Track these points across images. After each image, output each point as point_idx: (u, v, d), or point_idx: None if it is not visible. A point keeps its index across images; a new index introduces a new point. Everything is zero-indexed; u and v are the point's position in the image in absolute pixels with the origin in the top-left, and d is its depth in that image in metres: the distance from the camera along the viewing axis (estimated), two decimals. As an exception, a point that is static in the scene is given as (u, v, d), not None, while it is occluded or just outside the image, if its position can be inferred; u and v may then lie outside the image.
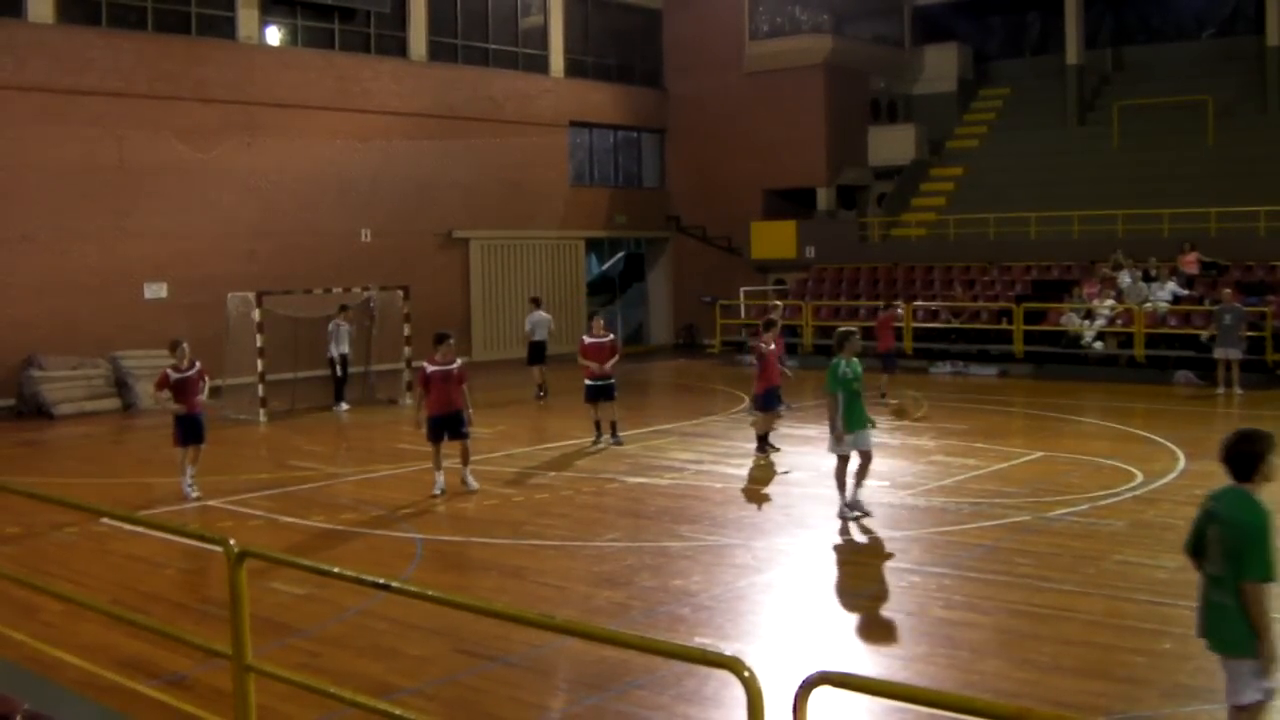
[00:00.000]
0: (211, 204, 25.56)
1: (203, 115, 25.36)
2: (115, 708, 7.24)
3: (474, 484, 13.71)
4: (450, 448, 13.70)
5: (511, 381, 24.52)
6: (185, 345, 14.14)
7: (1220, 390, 21.28)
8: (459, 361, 13.69)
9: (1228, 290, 21.99)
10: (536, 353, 22.95)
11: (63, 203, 23.42)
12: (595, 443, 16.76)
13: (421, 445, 14.41)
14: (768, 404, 15.77)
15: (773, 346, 15.82)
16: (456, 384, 13.45)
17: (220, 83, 25.66)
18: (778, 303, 23.75)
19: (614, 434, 16.86)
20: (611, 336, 17.12)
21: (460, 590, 9.12)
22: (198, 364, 14.18)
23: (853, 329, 12.30)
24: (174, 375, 13.88)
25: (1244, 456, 5.63)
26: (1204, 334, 22.25)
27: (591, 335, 16.98)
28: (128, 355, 23.40)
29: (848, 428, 11.75)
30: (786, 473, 14.72)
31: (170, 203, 24.90)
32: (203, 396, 14.13)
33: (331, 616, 9.05)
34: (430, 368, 13.46)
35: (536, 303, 24.02)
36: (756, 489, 13.84)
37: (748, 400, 19.43)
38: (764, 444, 15.76)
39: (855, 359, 11.95)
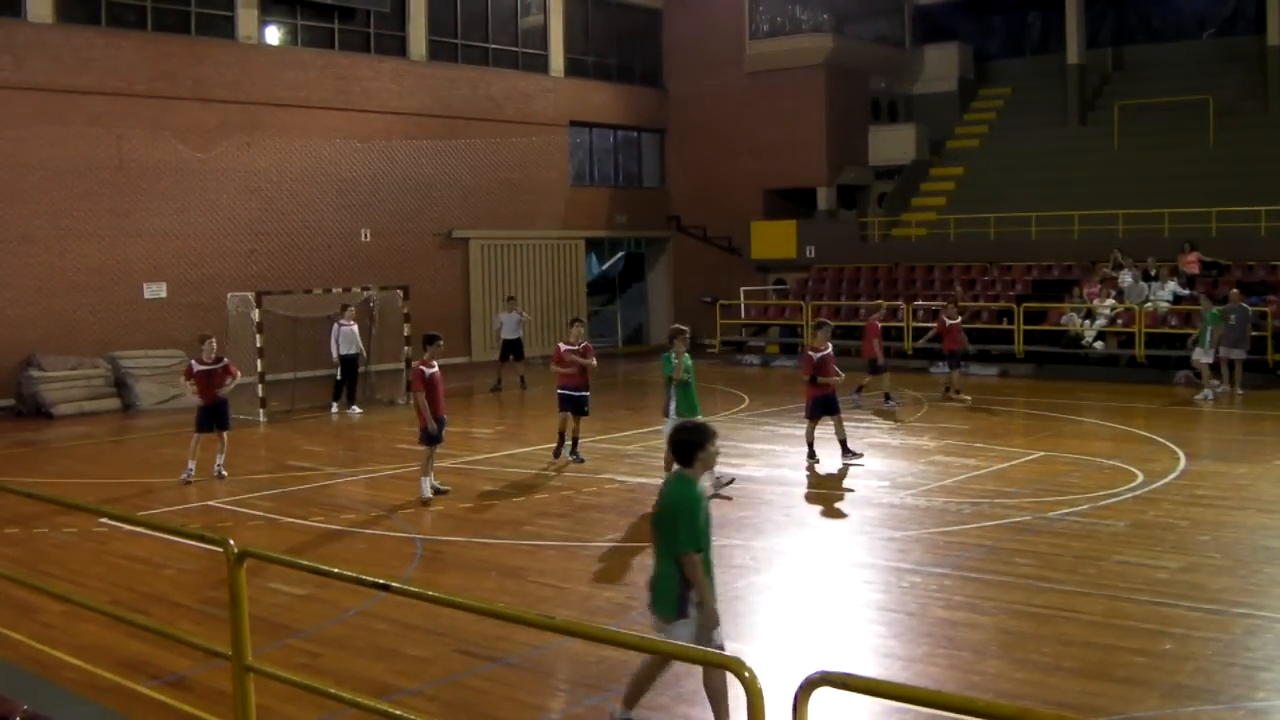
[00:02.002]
0: (211, 204, 25.56)
1: (202, 115, 25.35)
2: (115, 708, 7.23)
3: (443, 488, 13.70)
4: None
5: (511, 381, 24.51)
6: (213, 341, 15.15)
7: (1222, 390, 21.26)
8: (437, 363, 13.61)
9: (1235, 290, 21.97)
10: (515, 349, 24.53)
11: (62, 202, 23.40)
12: (555, 455, 15.81)
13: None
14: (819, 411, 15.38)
15: (828, 349, 15.35)
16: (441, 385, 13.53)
17: (220, 82, 25.66)
18: (880, 302, 23.27)
19: (573, 449, 15.80)
20: (584, 344, 16.00)
21: (460, 591, 9.10)
22: (225, 360, 15.12)
23: (683, 327, 13.78)
24: (196, 367, 14.94)
25: (684, 445, 6.40)
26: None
27: (566, 344, 16.06)
28: (127, 355, 23.40)
29: (676, 412, 12.92)
30: (860, 460, 15.17)
31: (170, 202, 24.90)
32: (224, 390, 14.93)
33: (331, 617, 9.04)
34: (427, 370, 13.34)
35: (512, 301, 25.54)
36: (758, 489, 13.81)
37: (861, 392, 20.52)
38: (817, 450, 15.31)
39: (687, 354, 13.25)
